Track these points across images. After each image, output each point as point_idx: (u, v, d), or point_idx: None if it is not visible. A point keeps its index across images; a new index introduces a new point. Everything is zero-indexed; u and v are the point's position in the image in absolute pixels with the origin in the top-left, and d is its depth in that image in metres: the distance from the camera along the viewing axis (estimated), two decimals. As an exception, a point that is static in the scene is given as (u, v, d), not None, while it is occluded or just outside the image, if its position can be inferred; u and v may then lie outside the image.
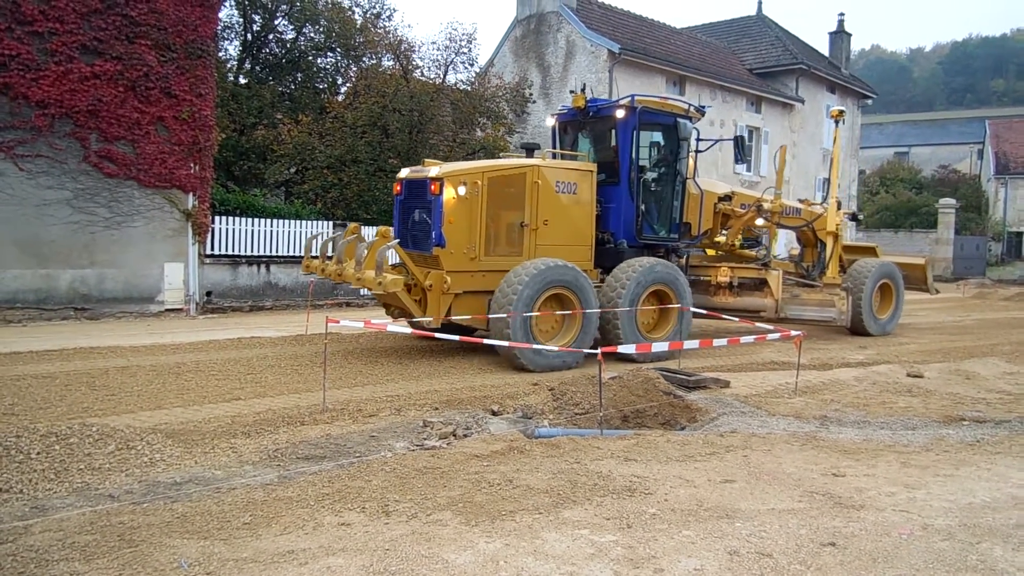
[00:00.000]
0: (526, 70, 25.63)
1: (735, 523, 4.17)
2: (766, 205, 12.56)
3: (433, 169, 9.31)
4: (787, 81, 29.91)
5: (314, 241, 11.12)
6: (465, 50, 21.78)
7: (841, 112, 13.26)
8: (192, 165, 13.81)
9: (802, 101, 29.86)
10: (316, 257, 10.35)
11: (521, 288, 8.69)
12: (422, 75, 21.29)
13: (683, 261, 11.74)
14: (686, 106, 11.35)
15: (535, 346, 8.51)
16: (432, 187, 9.12)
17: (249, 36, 22.95)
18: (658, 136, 11.34)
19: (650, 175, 11.17)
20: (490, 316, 8.89)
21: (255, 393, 7.38)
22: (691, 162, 13.10)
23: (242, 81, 22.39)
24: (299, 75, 23.46)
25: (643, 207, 10.83)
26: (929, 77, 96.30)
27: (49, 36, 12.27)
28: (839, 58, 34.33)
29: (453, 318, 9.18)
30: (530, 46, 25.86)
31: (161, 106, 13.38)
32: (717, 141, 12.99)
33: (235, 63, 23.25)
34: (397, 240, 9.20)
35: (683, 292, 10.47)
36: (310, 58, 23.55)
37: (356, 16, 23.91)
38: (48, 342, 9.86)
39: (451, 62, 21.90)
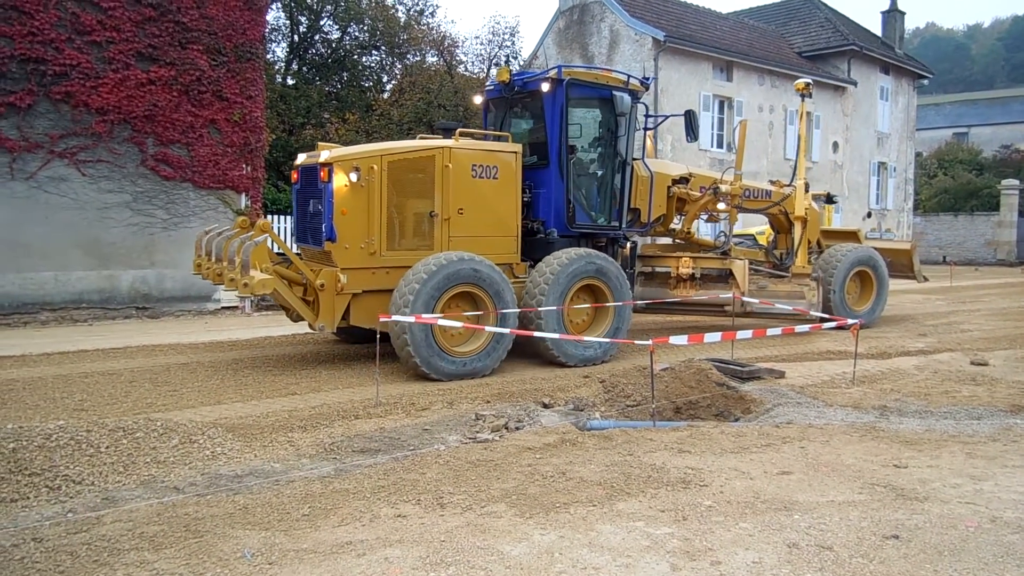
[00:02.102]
0: (570, 61, 25.49)
1: (793, 515, 4.10)
2: (724, 187, 11.44)
3: (324, 153, 8.20)
4: (838, 63, 29.14)
5: (205, 237, 9.40)
6: (508, 44, 21.89)
7: (807, 85, 11.99)
8: (244, 166, 14.15)
9: (854, 83, 29.06)
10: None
11: (418, 287, 7.69)
12: (466, 70, 21.42)
13: (626, 251, 10.42)
14: (624, 77, 10.08)
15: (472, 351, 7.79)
16: (321, 173, 8.10)
17: (296, 37, 23.34)
18: (594, 112, 10.10)
19: (584, 156, 10.04)
20: (382, 319, 7.45)
21: (310, 388, 7.53)
22: (649, 141, 12.11)
23: (290, 82, 22.80)
24: (345, 74, 23.78)
25: (576, 192, 9.65)
26: (988, 54, 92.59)
27: (107, 45, 12.67)
28: (892, 38, 33.28)
29: (353, 322, 8.31)
30: (573, 37, 25.72)
31: (213, 109, 13.72)
32: (667, 117, 11.94)
33: (283, 64, 23.69)
34: (265, 237, 7.85)
35: (619, 287, 9.26)
36: (355, 57, 23.85)
37: (400, 14, 24.15)
38: (112, 340, 10.21)
39: (495, 56, 21.96)
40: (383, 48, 23.71)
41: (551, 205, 9.50)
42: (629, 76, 10.14)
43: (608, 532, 3.87)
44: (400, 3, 24.40)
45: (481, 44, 21.99)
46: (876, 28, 34.25)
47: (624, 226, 10.26)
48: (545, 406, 6.71)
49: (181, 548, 3.67)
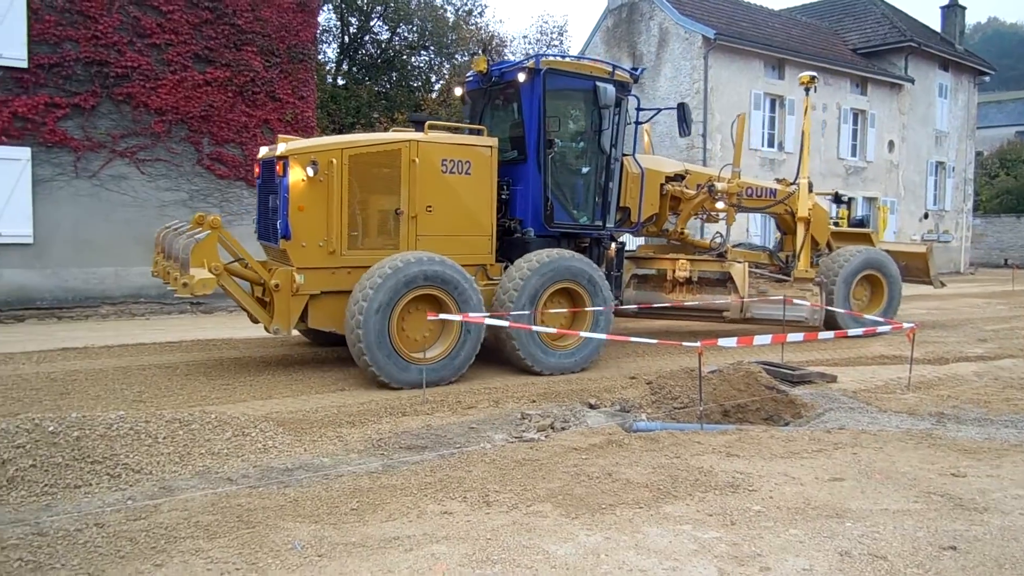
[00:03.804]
0: (618, 60, 25.31)
1: (845, 523, 4.01)
2: (720, 185, 10.79)
3: (281, 146, 7.72)
4: (895, 60, 28.34)
5: (163, 233, 8.88)
6: (556, 43, 21.84)
7: (812, 79, 11.13)
8: (295, 165, 14.40)
9: (912, 81, 28.24)
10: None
11: (372, 292, 7.25)
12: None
13: (612, 253, 9.76)
14: (609, 68, 9.48)
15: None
16: (277, 167, 7.65)
17: (346, 38, 23.69)
18: (575, 104, 9.59)
19: (565, 150, 9.42)
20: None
21: (358, 384, 7.63)
22: (646, 136, 11.53)
23: (340, 82, 23.15)
24: (394, 74, 24.05)
25: (555, 189, 9.05)
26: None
27: (165, 47, 13.06)
28: (952, 33, 32.21)
29: (311, 325, 7.89)
30: (622, 35, 25.55)
31: (266, 109, 14.03)
32: (659, 111, 11.22)
33: (333, 65, 24.06)
34: (209, 233, 7.32)
35: (598, 290, 8.67)
36: (404, 57, 24.11)
37: (448, 14, 24.32)
38: (169, 334, 10.52)
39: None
40: (432, 48, 23.92)
41: (528, 203, 8.97)
42: (615, 67, 9.62)
43: (655, 535, 3.85)
44: (449, 3, 24.60)
45: (529, 44, 22.00)
46: (935, 24, 33.21)
47: (609, 225, 9.70)
48: (591, 407, 6.69)
49: (234, 538, 3.76)
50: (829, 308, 10.54)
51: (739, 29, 24.30)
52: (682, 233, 11.27)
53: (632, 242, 14.89)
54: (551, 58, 9.35)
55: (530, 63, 8.90)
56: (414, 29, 23.82)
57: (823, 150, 25.54)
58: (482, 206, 8.57)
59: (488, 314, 7.95)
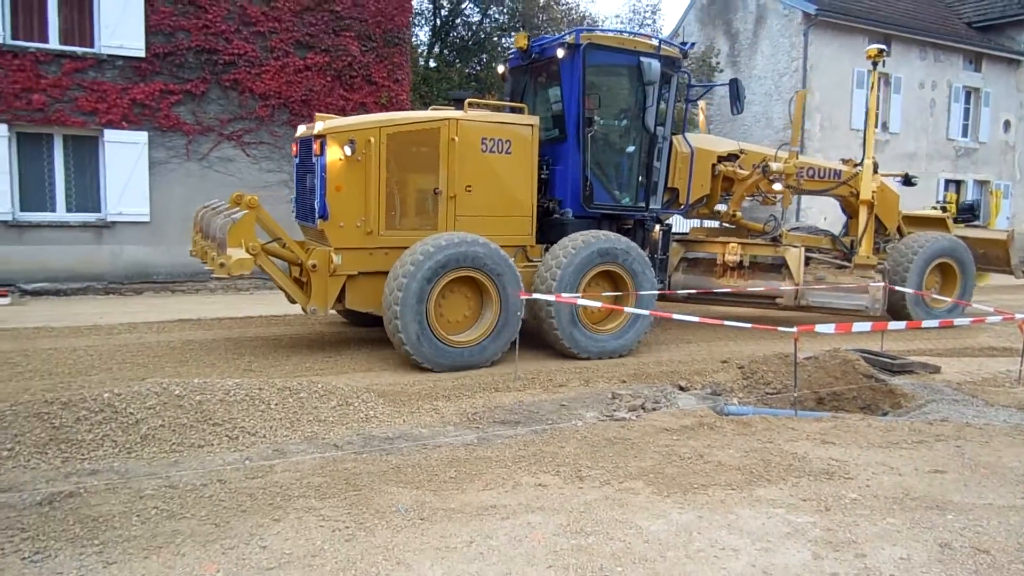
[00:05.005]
0: (712, 38, 24.71)
1: (946, 515, 3.93)
2: (775, 165, 10.15)
3: (318, 124, 7.60)
4: (1014, 34, 26.47)
5: (201, 212, 8.89)
6: (649, 22, 21.46)
7: (881, 52, 10.20)
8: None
9: (1033, 56, 26.35)
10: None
11: (410, 273, 7.14)
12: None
13: (656, 235, 9.42)
14: (655, 42, 9.03)
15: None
16: (315, 146, 7.57)
17: (438, 21, 24.00)
18: (618, 80, 9.21)
19: (606, 129, 9.12)
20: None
21: (451, 360, 7.86)
22: (701, 114, 10.93)
23: (431, 65, 23.51)
24: (484, 56, 24.21)
25: (595, 168, 8.78)
26: None
27: (269, 35, 13.64)
28: (1082, 3, 29.82)
29: (348, 305, 7.82)
30: (717, 13, 24.88)
31: (363, 93, 14.46)
32: (711, 87, 10.58)
33: (425, 48, 24.43)
34: (246, 213, 7.21)
35: (640, 274, 8.40)
36: (495, 39, 24.21)
37: (539, -6, 24.22)
38: (272, 308, 11.06)
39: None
40: (522, 29, 23.94)
41: (568, 183, 8.72)
42: (662, 41, 9.23)
43: (747, 516, 3.88)
44: (539, -17, 24.49)
45: (621, 23, 21.69)
46: (1062, -7, 30.78)
47: (655, 207, 9.31)
48: (682, 389, 6.70)
49: (343, 499, 4.02)
50: (899, 289, 10.02)
51: (842, 4, 23.23)
52: (734, 215, 10.80)
53: (685, 224, 14.47)
54: (593, 32, 9.06)
55: (570, 38, 8.59)
56: (504, 11, 23.87)
57: (931, 130, 24.24)
58: (522, 186, 8.38)
59: (579, 294, 7.94)
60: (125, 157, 12.87)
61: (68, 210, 12.83)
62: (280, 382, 5.68)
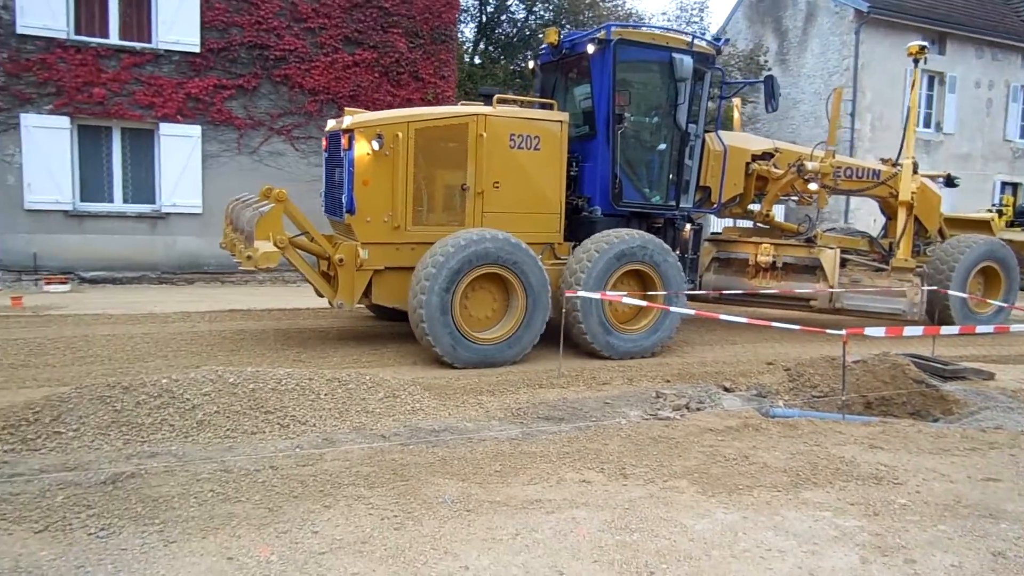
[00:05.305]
0: (761, 36, 24.35)
1: (1000, 524, 3.86)
2: (809, 164, 9.90)
3: (347, 119, 7.62)
4: (1079, 31, 25.55)
5: (232, 205, 8.97)
6: (696, 19, 21.24)
7: (922, 49, 9.92)
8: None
9: (1098, 54, 25.39)
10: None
11: (436, 269, 7.15)
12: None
13: (686, 234, 9.32)
14: (688, 38, 8.97)
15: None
16: (343, 140, 7.59)
17: (483, 18, 24.10)
18: (650, 77, 9.10)
19: (637, 126, 8.99)
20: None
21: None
22: (736, 112, 10.66)
23: (476, 61, 23.62)
24: (529, 53, 24.24)
25: (624, 166, 8.67)
26: None
27: (319, 31, 13.87)
28: None
29: (375, 300, 7.84)
30: (766, 10, 24.50)
31: (409, 89, 14.61)
32: (745, 84, 10.44)
33: (471, 44, 24.55)
34: (273, 206, 7.34)
35: (669, 274, 8.31)
36: (540, 35, 24.22)
37: (585, -9, 24.15)
38: (320, 301, 11.21)
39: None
40: (568, 26, 23.90)
41: (596, 180, 8.63)
42: (694, 36, 9.12)
43: (793, 518, 3.86)
44: (586, -19, 24.41)
45: (668, 21, 21.51)
46: None
47: (686, 205, 9.23)
48: (726, 390, 6.66)
49: (391, 488, 4.10)
50: (950, 293, 9.78)
51: (896, 1, 22.70)
52: (767, 215, 10.64)
53: (718, 224, 14.26)
54: (625, 28, 8.98)
55: (600, 33, 8.50)
56: (550, 7, 23.86)
57: (987, 131, 23.55)
58: (551, 183, 8.30)
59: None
60: (179, 150, 13.22)
61: (125, 201, 13.23)
62: (329, 373, 5.81)
